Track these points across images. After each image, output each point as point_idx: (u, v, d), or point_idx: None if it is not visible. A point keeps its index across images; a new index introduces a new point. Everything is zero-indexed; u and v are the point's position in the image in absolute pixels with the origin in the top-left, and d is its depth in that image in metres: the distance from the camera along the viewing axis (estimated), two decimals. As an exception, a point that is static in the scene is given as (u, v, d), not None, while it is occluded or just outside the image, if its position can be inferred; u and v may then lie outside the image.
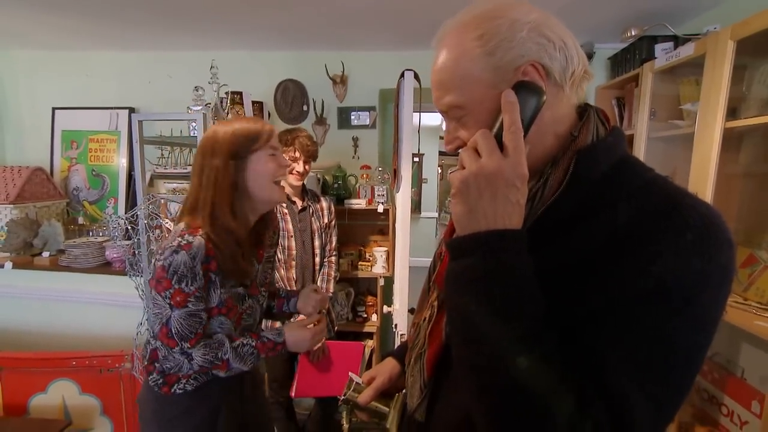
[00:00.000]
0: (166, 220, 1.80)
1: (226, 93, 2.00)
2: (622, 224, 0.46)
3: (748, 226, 1.39)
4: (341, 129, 2.57)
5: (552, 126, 0.53)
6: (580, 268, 0.47)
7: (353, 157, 2.58)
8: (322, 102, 2.51)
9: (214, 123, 1.86)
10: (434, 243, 5.86)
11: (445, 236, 0.69)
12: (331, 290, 1.96)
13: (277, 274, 1.84)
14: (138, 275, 1.86)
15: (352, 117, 2.54)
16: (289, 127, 2.16)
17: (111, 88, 2.62)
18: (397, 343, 1.75)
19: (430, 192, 6.01)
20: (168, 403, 1.07)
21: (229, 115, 2.00)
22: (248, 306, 1.13)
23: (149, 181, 2.09)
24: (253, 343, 1.05)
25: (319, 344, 1.67)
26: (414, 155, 1.66)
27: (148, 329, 1.85)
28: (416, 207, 5.76)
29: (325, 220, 2.00)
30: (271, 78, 2.52)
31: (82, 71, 2.62)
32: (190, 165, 2.11)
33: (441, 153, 6.21)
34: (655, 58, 1.67)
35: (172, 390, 1.06)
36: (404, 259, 1.70)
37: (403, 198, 1.68)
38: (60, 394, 1.96)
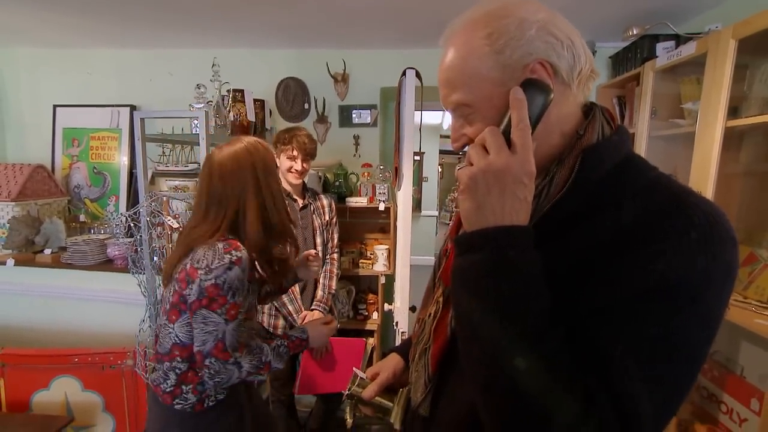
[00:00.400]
0: (169, 218, 1.81)
1: (228, 91, 2.00)
2: (627, 223, 0.46)
3: (749, 225, 1.39)
4: (342, 127, 2.57)
5: (558, 124, 0.53)
6: (584, 265, 0.47)
7: (354, 156, 2.58)
8: (324, 100, 2.51)
9: (215, 120, 1.86)
10: (434, 241, 5.88)
11: (450, 233, 0.69)
12: (334, 287, 1.97)
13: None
14: (140, 272, 1.87)
15: (354, 115, 2.54)
16: (290, 125, 2.16)
17: (112, 85, 2.62)
18: (398, 340, 1.76)
19: (431, 190, 6.02)
20: (197, 419, 1.10)
21: (231, 113, 2.00)
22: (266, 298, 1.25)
23: (150, 178, 2.09)
24: (286, 343, 1.14)
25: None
26: (415, 154, 1.66)
27: (153, 332, 1.85)
28: (416, 205, 5.77)
29: (326, 218, 2.01)
30: (272, 76, 2.52)
31: (84, 68, 2.62)
32: (191, 163, 2.11)
33: (441, 152, 6.22)
34: (657, 56, 1.68)
35: (205, 405, 1.09)
36: (405, 257, 1.71)
37: (404, 196, 1.68)
38: (62, 391, 1.97)
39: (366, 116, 2.54)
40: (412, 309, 1.72)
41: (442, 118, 4.99)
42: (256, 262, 1.14)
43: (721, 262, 0.43)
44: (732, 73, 1.25)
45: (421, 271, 1.96)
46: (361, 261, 2.44)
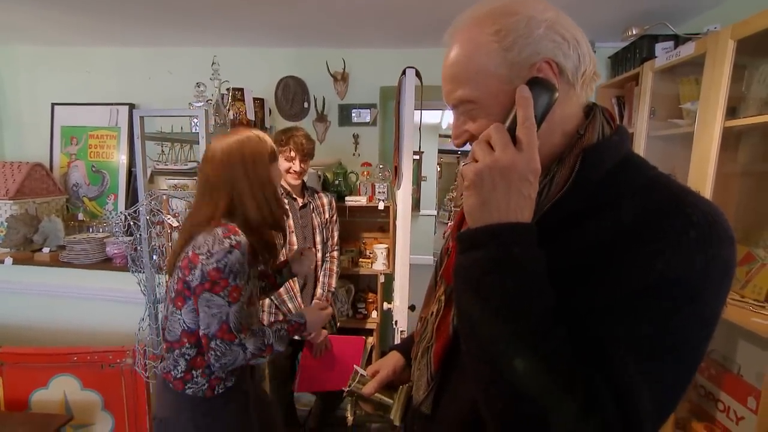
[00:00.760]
0: (168, 216, 1.81)
1: (228, 89, 2.00)
2: (626, 222, 0.47)
3: (746, 225, 1.40)
4: (342, 126, 2.57)
5: (560, 124, 0.53)
6: (584, 265, 0.47)
7: (354, 155, 2.58)
8: (323, 99, 2.51)
9: (215, 119, 1.86)
10: (433, 240, 5.88)
11: (452, 232, 0.69)
12: (334, 285, 1.97)
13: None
14: (140, 271, 1.87)
15: (353, 114, 2.55)
16: (289, 124, 2.16)
17: (111, 83, 2.61)
18: (397, 339, 1.76)
19: (430, 190, 6.02)
20: (207, 404, 1.13)
21: (230, 112, 2.00)
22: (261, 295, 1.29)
23: (149, 177, 2.09)
24: (285, 326, 1.18)
25: (322, 338, 1.70)
26: (414, 153, 1.67)
27: (160, 328, 1.85)
28: (415, 205, 5.77)
29: (326, 216, 2.01)
30: (272, 74, 2.52)
31: (83, 67, 2.62)
32: (191, 161, 2.11)
33: (440, 151, 6.22)
34: (656, 57, 1.68)
35: (215, 391, 1.12)
36: (405, 256, 1.71)
37: (404, 195, 1.69)
38: (61, 390, 1.96)
39: (365, 115, 2.54)
40: (411, 308, 1.72)
41: (441, 118, 4.99)
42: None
43: (720, 262, 0.43)
44: (730, 74, 1.26)
45: (418, 270, 1.97)
46: (360, 260, 2.45)
